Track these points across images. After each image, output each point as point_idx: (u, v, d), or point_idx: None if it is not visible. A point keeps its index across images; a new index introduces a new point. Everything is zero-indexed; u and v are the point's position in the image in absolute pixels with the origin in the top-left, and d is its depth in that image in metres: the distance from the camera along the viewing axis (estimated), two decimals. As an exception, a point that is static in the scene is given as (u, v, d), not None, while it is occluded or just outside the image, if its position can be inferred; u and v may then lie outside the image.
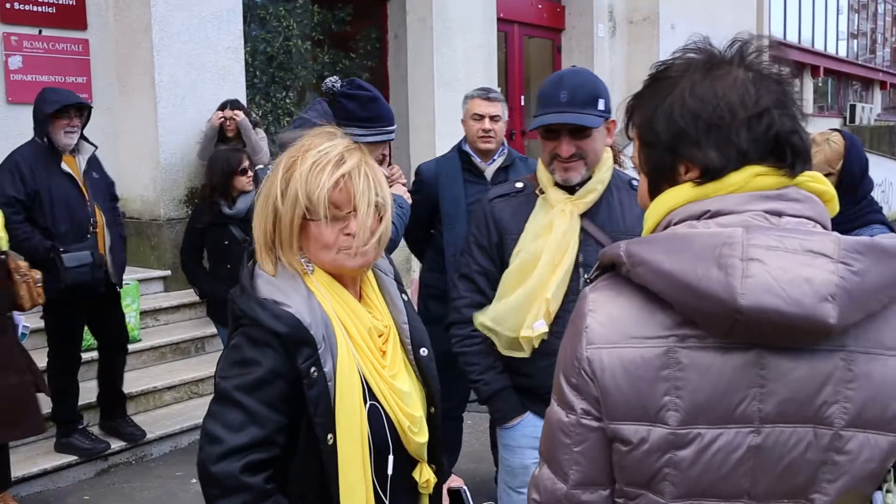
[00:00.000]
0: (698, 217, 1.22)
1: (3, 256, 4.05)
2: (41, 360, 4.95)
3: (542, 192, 2.57)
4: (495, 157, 4.08)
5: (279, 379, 1.65)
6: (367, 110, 3.06)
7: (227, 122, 6.70)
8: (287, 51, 8.82)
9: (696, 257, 1.14)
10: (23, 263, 4.14)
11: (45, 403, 4.86)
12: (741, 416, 1.16)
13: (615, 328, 1.20)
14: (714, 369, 1.16)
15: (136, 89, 7.01)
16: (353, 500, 1.69)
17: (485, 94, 4.11)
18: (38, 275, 4.18)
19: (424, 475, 1.86)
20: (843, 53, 24.47)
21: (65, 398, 4.94)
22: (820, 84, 23.34)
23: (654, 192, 1.31)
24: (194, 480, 4.94)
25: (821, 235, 1.17)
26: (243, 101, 7.15)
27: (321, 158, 1.71)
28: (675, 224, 1.24)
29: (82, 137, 4.96)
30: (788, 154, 1.23)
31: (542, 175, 2.58)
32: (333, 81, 3.12)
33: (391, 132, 3.16)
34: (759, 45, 1.30)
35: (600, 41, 12.03)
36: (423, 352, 1.87)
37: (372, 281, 1.88)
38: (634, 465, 1.20)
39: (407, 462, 1.81)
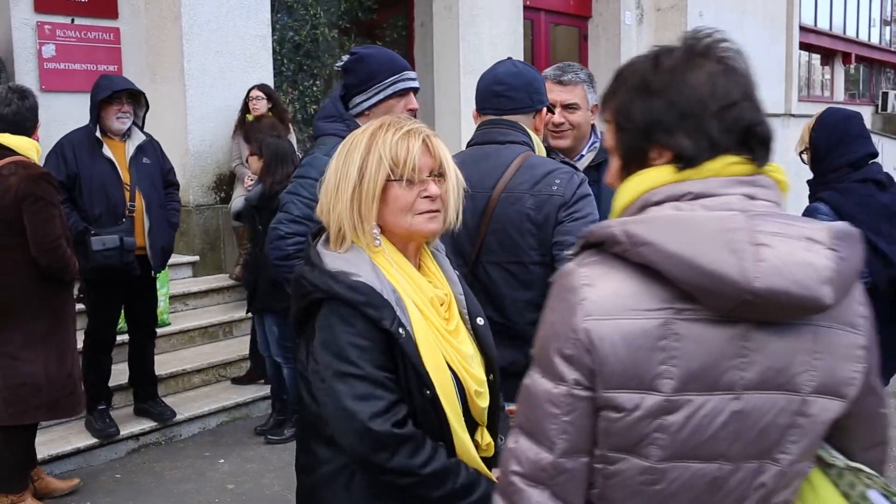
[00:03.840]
0: (679, 198, 1.31)
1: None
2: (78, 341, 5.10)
3: None
4: (583, 153, 3.22)
5: (375, 343, 1.74)
6: (358, 75, 2.84)
7: (254, 102, 6.82)
8: (314, 39, 8.89)
9: (705, 241, 1.22)
10: None
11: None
12: (726, 383, 1.26)
13: (613, 301, 1.27)
14: (706, 340, 1.25)
15: (166, 77, 7.12)
16: (465, 444, 1.82)
17: (558, 74, 3.18)
18: None
19: (486, 438, 1.93)
20: (875, 40, 24.12)
21: (92, 377, 5.06)
22: (852, 71, 23.05)
23: (625, 173, 1.41)
24: (222, 461, 5.07)
25: (813, 223, 1.28)
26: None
27: (402, 126, 1.85)
28: (655, 204, 1.32)
29: (136, 125, 5.10)
30: (755, 144, 1.33)
31: None
32: (342, 62, 2.93)
33: (395, 83, 2.83)
34: (719, 39, 1.37)
35: (627, 29, 11.98)
36: (480, 321, 1.95)
37: (428, 254, 1.97)
38: (623, 431, 1.28)
39: (469, 425, 1.88)
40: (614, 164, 1.44)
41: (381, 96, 2.82)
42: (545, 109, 2.81)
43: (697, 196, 1.30)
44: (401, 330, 1.74)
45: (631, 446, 1.28)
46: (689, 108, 1.31)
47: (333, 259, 1.81)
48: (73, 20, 6.88)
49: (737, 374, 1.26)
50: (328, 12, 9.01)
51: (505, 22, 9.99)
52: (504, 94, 2.75)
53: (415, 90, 2.90)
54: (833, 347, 1.30)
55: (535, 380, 1.34)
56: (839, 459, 1.38)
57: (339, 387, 1.72)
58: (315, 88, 8.85)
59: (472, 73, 9.41)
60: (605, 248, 1.32)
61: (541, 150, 2.74)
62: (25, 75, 6.55)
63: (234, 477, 4.87)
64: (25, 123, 4.12)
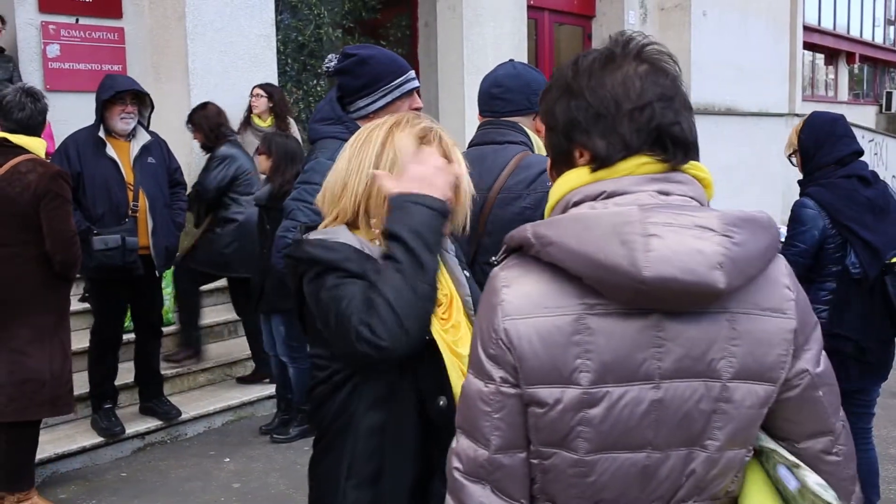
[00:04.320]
0: (595, 198, 1.36)
1: None
2: (84, 340, 5.11)
3: None
4: None
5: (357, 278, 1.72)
6: (360, 77, 2.74)
7: (254, 100, 6.84)
8: (318, 39, 8.90)
9: (601, 236, 1.26)
10: None
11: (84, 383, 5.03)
12: (643, 373, 1.29)
13: (528, 301, 1.32)
14: (618, 333, 1.29)
15: (171, 77, 7.13)
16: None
17: None
18: None
19: None
20: (879, 40, 24.09)
21: (97, 376, 5.07)
22: (856, 71, 23.02)
23: (556, 173, 1.47)
24: (227, 459, 5.08)
25: (707, 212, 1.31)
26: (275, 89, 7.24)
27: (419, 124, 1.85)
28: (574, 204, 1.37)
29: (142, 125, 5.12)
30: (669, 145, 1.35)
31: None
32: (329, 60, 2.82)
33: (401, 85, 2.77)
34: (643, 42, 1.41)
35: (631, 28, 11.96)
36: None
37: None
38: (549, 426, 1.32)
39: None
40: (549, 164, 1.51)
41: (388, 99, 2.75)
42: None
43: (611, 195, 1.35)
44: None
45: (559, 440, 1.32)
46: (603, 109, 1.36)
47: (314, 234, 1.82)
48: (77, 20, 6.89)
49: (654, 363, 1.29)
50: (332, 12, 9.01)
51: (509, 22, 9.99)
52: (501, 97, 2.76)
53: (417, 89, 2.87)
54: (753, 333, 1.32)
55: (469, 380, 1.39)
56: (762, 440, 1.40)
57: (339, 298, 1.69)
58: (319, 88, 8.85)
59: (476, 73, 9.41)
60: (523, 251, 1.37)
61: (541, 150, 2.73)
62: (30, 75, 6.56)
63: (239, 476, 4.88)
64: (37, 125, 4.22)
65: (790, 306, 1.35)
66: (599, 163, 1.37)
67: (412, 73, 2.82)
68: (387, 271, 1.67)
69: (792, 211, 3.63)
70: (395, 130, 1.84)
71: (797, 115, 14.05)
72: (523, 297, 1.32)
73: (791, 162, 3.87)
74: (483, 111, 2.81)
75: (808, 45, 15.92)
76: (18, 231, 4.00)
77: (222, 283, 6.87)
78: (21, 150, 4.09)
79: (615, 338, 1.28)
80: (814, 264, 3.55)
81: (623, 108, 1.35)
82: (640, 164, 1.35)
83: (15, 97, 4.14)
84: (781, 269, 1.37)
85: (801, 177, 3.79)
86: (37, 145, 4.17)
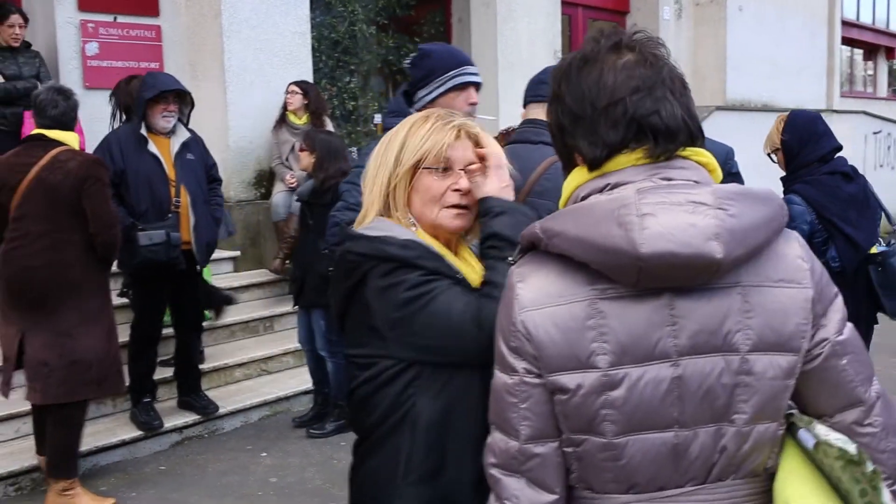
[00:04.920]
0: (601, 190, 1.39)
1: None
2: (123, 335, 5.14)
3: None
4: None
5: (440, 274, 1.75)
6: (421, 69, 2.90)
7: (289, 97, 6.87)
8: (352, 35, 8.91)
9: (598, 220, 1.30)
10: None
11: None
12: (660, 352, 1.31)
13: (542, 292, 1.36)
14: (631, 314, 1.32)
15: (207, 74, 7.18)
16: None
17: None
18: None
19: None
20: (919, 35, 23.64)
21: (136, 371, 5.11)
22: (895, 66, 22.62)
23: (566, 172, 1.51)
24: (264, 454, 5.09)
25: (701, 188, 1.34)
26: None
27: (444, 118, 1.86)
28: (583, 198, 1.41)
29: (181, 122, 5.18)
30: (649, 135, 1.37)
31: None
32: (407, 62, 3.03)
33: (454, 77, 2.86)
34: (624, 36, 1.43)
35: (666, 24, 11.86)
36: None
37: (465, 246, 1.95)
38: (575, 411, 1.34)
39: None
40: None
41: (441, 90, 2.85)
42: None
43: (615, 185, 1.38)
44: (458, 276, 1.74)
45: (586, 425, 1.34)
46: (580, 110, 1.40)
47: (372, 229, 1.80)
48: (115, 18, 6.96)
49: (669, 341, 1.31)
50: (366, 9, 9.02)
51: (543, 17, 9.94)
52: (547, 82, 2.75)
53: (476, 85, 2.91)
54: (767, 304, 1.33)
55: (496, 376, 1.42)
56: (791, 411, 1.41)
57: (437, 304, 1.70)
58: (353, 85, 8.86)
59: (509, 70, 9.38)
60: (535, 248, 1.41)
61: None
62: (69, 73, 6.63)
63: (276, 470, 4.89)
64: (70, 121, 4.33)
65: (805, 276, 1.36)
66: (589, 164, 1.41)
67: (470, 68, 2.90)
68: (500, 267, 1.69)
69: None
70: (417, 124, 1.85)
71: (836, 111, 13.86)
72: (537, 289, 1.36)
73: (771, 159, 4.04)
74: (528, 99, 2.80)
75: (846, 41, 15.65)
76: (64, 217, 4.13)
77: (258, 278, 6.92)
78: (57, 143, 4.22)
79: (628, 319, 1.31)
80: None
81: (598, 107, 1.38)
82: (638, 158, 1.38)
83: (48, 95, 4.28)
84: (792, 243, 1.39)
85: (781, 174, 3.98)
86: (71, 139, 4.30)
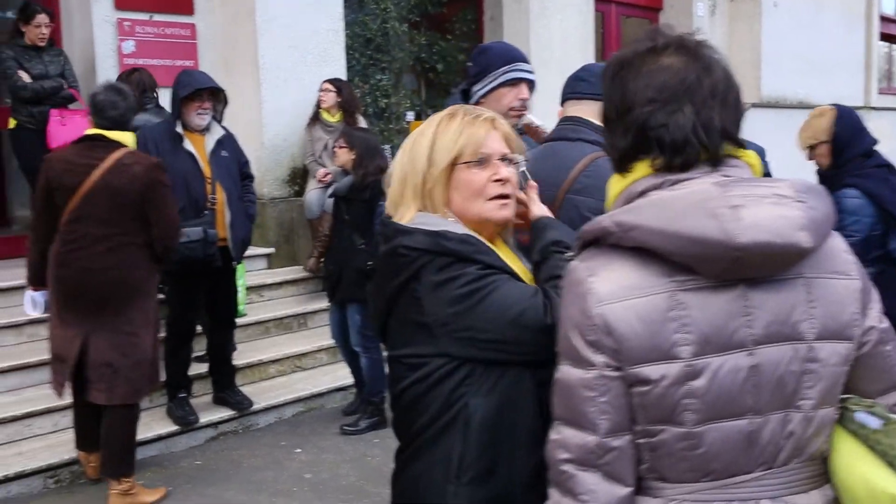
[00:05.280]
0: (659, 186, 1.42)
1: None
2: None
3: None
4: None
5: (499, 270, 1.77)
6: (477, 65, 2.93)
7: (322, 95, 6.90)
8: (384, 33, 8.91)
9: (687, 213, 1.33)
10: None
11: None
12: (737, 341, 1.36)
13: (619, 285, 1.37)
14: (711, 305, 1.36)
15: (241, 72, 7.21)
16: None
17: None
18: None
19: None
20: (958, 30, 23.24)
21: (172, 366, 5.15)
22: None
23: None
24: (299, 450, 5.11)
25: (778, 182, 1.40)
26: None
27: (471, 112, 1.86)
28: (639, 195, 1.43)
29: (216, 119, 5.22)
30: (655, 147, 1.42)
31: None
32: (468, 62, 3.07)
33: (506, 73, 2.87)
34: (662, 43, 1.46)
35: (700, 20, 11.73)
36: None
37: (503, 242, 1.95)
38: (656, 402, 1.36)
39: None
40: None
41: (492, 85, 2.87)
42: None
43: (675, 182, 1.41)
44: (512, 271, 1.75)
45: (667, 416, 1.37)
46: (609, 112, 1.49)
47: (425, 224, 1.78)
48: (151, 16, 7.01)
49: (745, 331, 1.35)
50: (398, 6, 9.01)
51: (576, 14, 9.88)
52: (585, 79, 2.75)
53: (529, 82, 2.91)
54: (827, 295, 1.40)
55: (567, 371, 1.42)
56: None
57: (496, 300, 1.70)
58: (385, 83, 8.86)
59: (542, 67, 9.29)
60: (600, 242, 1.42)
61: None
62: (106, 71, 6.69)
63: (310, 467, 4.90)
64: (127, 121, 4.35)
65: (853, 268, 1.45)
66: (617, 168, 1.50)
67: (523, 65, 2.91)
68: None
69: (836, 203, 3.66)
70: (444, 121, 1.85)
71: (873, 108, 13.65)
72: (613, 282, 1.37)
73: (810, 154, 4.02)
74: (566, 96, 2.77)
75: (884, 36, 15.36)
76: (128, 220, 4.16)
77: (292, 275, 6.95)
78: (117, 144, 4.21)
79: (709, 310, 1.35)
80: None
81: (619, 112, 1.45)
82: (651, 166, 1.44)
83: (107, 96, 4.26)
84: (837, 239, 1.47)
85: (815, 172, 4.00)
86: (129, 139, 4.31)
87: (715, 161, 1.42)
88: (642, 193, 1.43)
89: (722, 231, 1.30)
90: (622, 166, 1.48)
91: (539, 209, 1.95)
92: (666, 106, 1.40)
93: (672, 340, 1.34)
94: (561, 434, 1.43)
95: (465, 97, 2.94)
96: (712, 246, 1.30)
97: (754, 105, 11.22)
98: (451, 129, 1.82)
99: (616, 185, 1.50)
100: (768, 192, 1.36)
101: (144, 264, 4.25)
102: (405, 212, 1.83)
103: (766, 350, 1.36)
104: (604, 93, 1.50)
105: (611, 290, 1.37)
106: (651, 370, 1.35)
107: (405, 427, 1.84)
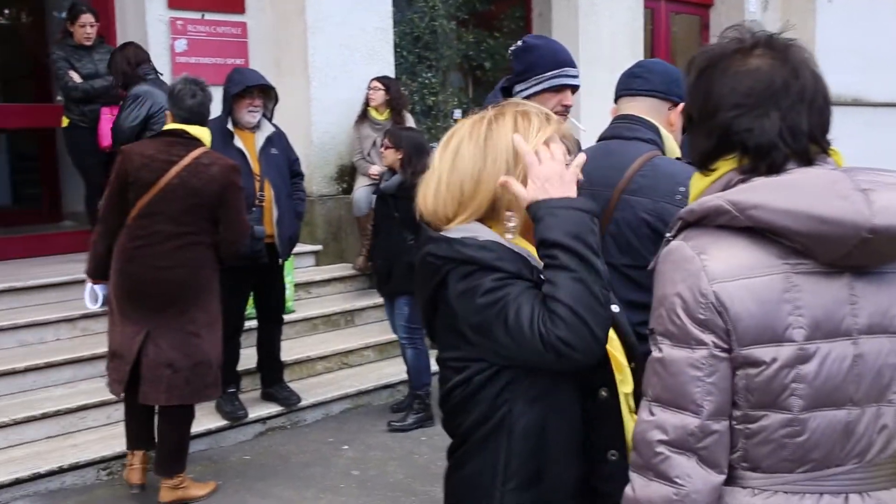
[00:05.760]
0: (764, 173, 1.41)
1: None
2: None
3: None
4: None
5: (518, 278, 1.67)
6: (522, 62, 2.88)
7: (371, 93, 6.93)
8: (432, 31, 8.91)
9: (816, 193, 1.32)
10: None
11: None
12: (844, 329, 1.36)
13: (733, 263, 1.36)
14: (822, 290, 1.35)
15: (291, 70, 7.27)
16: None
17: None
18: None
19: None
20: None
21: (222, 361, 5.18)
22: None
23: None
24: (346, 447, 5.13)
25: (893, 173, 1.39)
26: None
27: (541, 113, 1.81)
28: (739, 181, 1.42)
29: (266, 117, 5.25)
30: (738, 150, 1.42)
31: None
32: (509, 53, 3.00)
33: (553, 77, 2.83)
34: (748, 44, 1.44)
35: (751, 16, 11.55)
36: (615, 308, 1.85)
37: None
38: (763, 386, 1.35)
39: None
40: None
41: (538, 88, 2.83)
42: (680, 106, 2.71)
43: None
44: (542, 276, 1.66)
45: (772, 400, 1.35)
46: (688, 113, 1.50)
47: (451, 232, 1.75)
48: (203, 15, 7.09)
49: (851, 320, 1.35)
50: (446, 4, 9.01)
51: (625, 11, 9.79)
52: (640, 76, 2.70)
53: (573, 87, 2.87)
54: None
55: (668, 351, 1.39)
56: None
57: (505, 317, 1.61)
58: (433, 80, 8.87)
59: (591, 65, 9.24)
60: (706, 222, 1.40)
61: (672, 149, 2.63)
62: (159, 69, 6.77)
63: (357, 463, 4.92)
64: (206, 113, 4.35)
65: None
66: (699, 167, 1.51)
67: (570, 70, 2.86)
68: (559, 279, 1.59)
69: None
70: (519, 118, 1.80)
71: (931, 105, 13.30)
72: (726, 260, 1.36)
73: None
74: (619, 93, 2.73)
75: (942, 32, 14.99)
76: (199, 219, 4.17)
77: (339, 272, 6.98)
78: (197, 142, 4.23)
79: (820, 295, 1.35)
80: None
81: (702, 114, 1.45)
82: (734, 166, 1.45)
83: (185, 86, 4.27)
84: None
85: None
86: (207, 137, 4.32)
87: (807, 160, 1.41)
88: (743, 180, 1.41)
89: (856, 212, 1.29)
90: (704, 165, 1.47)
91: (527, 192, 1.67)
92: (752, 111, 1.39)
93: (787, 322, 1.33)
94: (656, 416, 1.40)
95: (507, 95, 2.88)
96: (843, 226, 1.29)
97: (808, 103, 10.99)
98: (531, 130, 1.77)
99: (699, 181, 1.49)
100: (893, 180, 1.35)
101: (211, 264, 4.27)
102: (454, 217, 1.78)
103: (869, 340, 1.36)
104: (686, 92, 1.49)
105: (725, 269, 1.35)
106: (763, 352, 1.34)
107: (454, 427, 1.83)
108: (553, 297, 1.58)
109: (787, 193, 1.33)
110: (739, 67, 1.41)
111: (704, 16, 11.73)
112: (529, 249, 1.77)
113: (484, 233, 1.73)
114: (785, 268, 1.35)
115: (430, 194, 1.81)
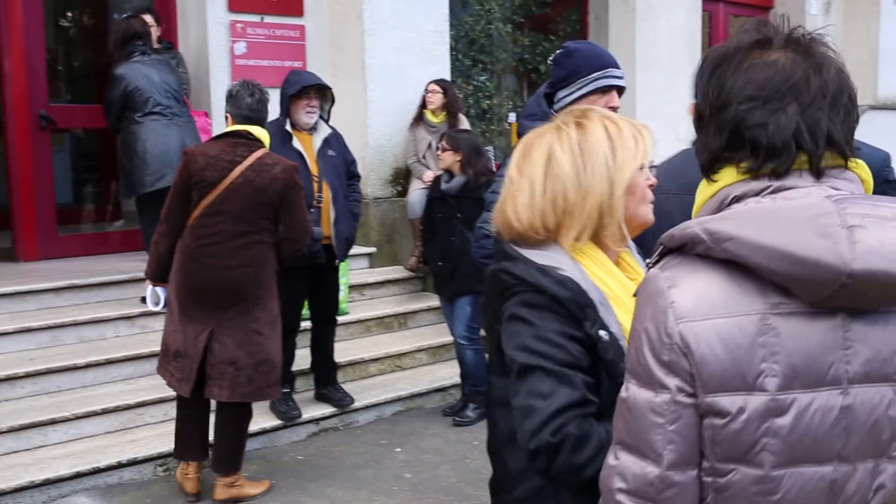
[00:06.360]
0: (759, 193, 1.27)
1: None
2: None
3: None
4: None
5: (573, 341, 1.63)
6: (564, 68, 2.83)
7: (429, 96, 6.94)
8: (488, 34, 8.90)
9: (794, 229, 1.17)
10: None
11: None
12: (831, 378, 1.20)
13: (704, 301, 1.22)
14: (805, 334, 1.20)
15: (348, 73, 7.31)
16: None
17: None
18: None
19: None
20: None
21: None
22: None
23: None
24: (398, 449, 5.14)
25: None
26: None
27: (630, 122, 1.80)
28: (735, 199, 1.28)
29: (323, 118, 5.31)
30: (747, 148, 1.27)
31: None
32: (550, 60, 2.99)
33: (597, 79, 2.80)
34: (765, 36, 1.31)
35: (813, 19, 11.31)
36: None
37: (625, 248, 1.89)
38: (731, 438, 1.21)
39: None
40: None
41: (582, 91, 2.78)
42: None
43: (778, 189, 1.26)
44: (602, 332, 1.63)
45: (741, 454, 1.21)
46: (699, 111, 1.35)
47: (534, 255, 1.72)
48: (262, 18, 7.16)
49: (842, 367, 1.20)
50: (502, 7, 8.99)
51: (683, 14, 9.67)
52: None
53: (619, 88, 2.83)
54: None
55: (634, 391, 1.27)
56: None
57: (521, 383, 1.63)
58: (489, 84, 8.85)
59: (648, 69, 9.16)
60: (686, 250, 1.27)
61: None
62: (219, 71, 6.88)
63: (410, 466, 4.92)
64: (264, 111, 4.41)
65: None
66: (705, 173, 1.37)
67: (615, 71, 2.81)
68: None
69: None
70: (610, 126, 1.77)
71: None
72: (697, 297, 1.22)
73: None
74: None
75: None
76: (262, 219, 4.23)
77: (393, 274, 7.00)
78: (258, 143, 4.30)
79: (802, 339, 1.19)
80: None
81: (713, 109, 1.31)
82: (740, 171, 1.29)
83: (243, 87, 4.35)
84: None
85: None
86: (267, 138, 4.39)
87: (817, 171, 1.26)
88: (738, 199, 1.28)
89: (835, 254, 1.14)
90: (711, 167, 1.33)
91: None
92: (767, 104, 1.25)
93: (758, 370, 1.19)
94: (620, 460, 1.29)
95: (549, 101, 2.85)
96: (819, 268, 1.15)
97: (871, 107, 10.76)
98: (628, 142, 1.74)
99: (703, 191, 1.36)
100: (890, 212, 1.19)
101: (272, 263, 4.32)
102: (553, 237, 1.74)
103: (863, 390, 1.21)
104: (700, 88, 1.35)
105: (694, 307, 1.21)
106: (729, 401, 1.20)
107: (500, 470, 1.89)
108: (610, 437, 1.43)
109: (763, 226, 1.19)
110: (755, 61, 1.28)
111: (764, 18, 11.53)
112: (601, 259, 1.75)
113: (567, 265, 1.70)
114: (763, 307, 1.20)
115: (524, 205, 1.74)
